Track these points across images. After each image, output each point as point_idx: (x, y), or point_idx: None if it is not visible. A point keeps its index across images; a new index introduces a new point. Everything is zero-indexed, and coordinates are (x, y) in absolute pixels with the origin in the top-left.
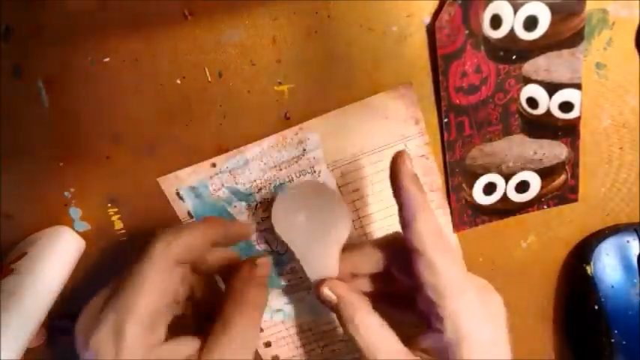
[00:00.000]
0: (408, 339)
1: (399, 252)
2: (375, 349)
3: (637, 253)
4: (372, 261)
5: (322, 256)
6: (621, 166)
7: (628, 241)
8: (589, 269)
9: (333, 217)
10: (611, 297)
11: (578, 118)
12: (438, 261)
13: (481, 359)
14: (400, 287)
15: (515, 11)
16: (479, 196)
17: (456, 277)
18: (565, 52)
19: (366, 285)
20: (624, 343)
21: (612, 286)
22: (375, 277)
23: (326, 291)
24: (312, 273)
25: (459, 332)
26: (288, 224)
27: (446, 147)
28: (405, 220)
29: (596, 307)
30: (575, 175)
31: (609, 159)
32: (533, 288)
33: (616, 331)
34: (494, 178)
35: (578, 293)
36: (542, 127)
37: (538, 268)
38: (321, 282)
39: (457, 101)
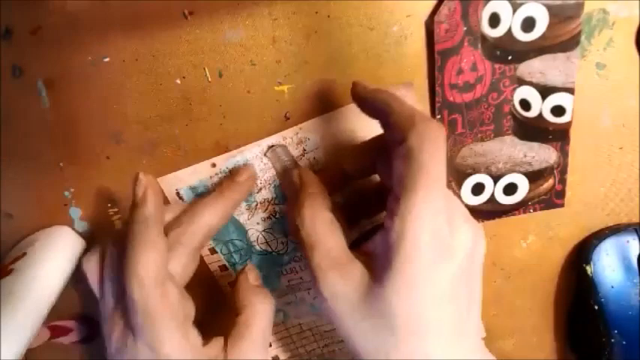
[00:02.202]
0: (358, 245)
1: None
2: (315, 243)
3: (637, 254)
4: (359, 155)
5: None
6: (621, 165)
7: (628, 242)
8: (589, 269)
9: None
10: (611, 297)
11: (569, 123)
12: (418, 148)
13: (411, 278)
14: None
15: (514, 11)
16: (467, 196)
17: (430, 176)
18: (560, 55)
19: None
20: (624, 343)
21: (612, 287)
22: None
23: (295, 175)
24: None
25: (404, 235)
26: None
27: None
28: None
29: (596, 308)
30: (562, 180)
31: (609, 159)
32: (533, 288)
33: (616, 332)
34: (483, 178)
35: (578, 293)
36: (533, 130)
37: (538, 268)
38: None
39: (451, 98)
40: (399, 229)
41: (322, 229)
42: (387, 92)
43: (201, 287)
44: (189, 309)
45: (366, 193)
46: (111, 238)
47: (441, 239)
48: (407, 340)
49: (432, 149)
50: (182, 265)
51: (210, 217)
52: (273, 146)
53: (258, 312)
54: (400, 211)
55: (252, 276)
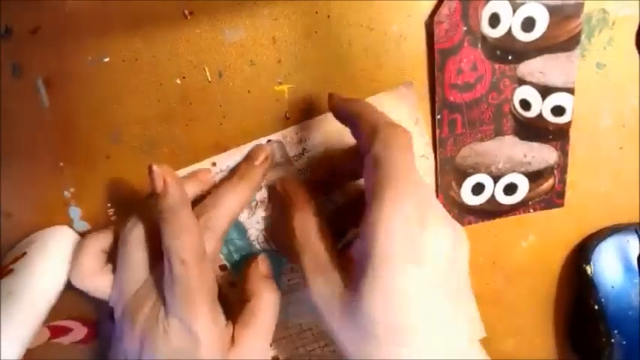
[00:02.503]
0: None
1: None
2: (305, 249)
3: (637, 253)
4: (347, 158)
5: None
6: (621, 165)
7: (628, 241)
8: (589, 269)
9: None
10: (612, 297)
11: (569, 123)
12: (383, 155)
13: (385, 285)
14: None
15: (514, 11)
16: (467, 196)
17: (397, 183)
18: (561, 55)
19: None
20: (624, 343)
21: (612, 287)
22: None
23: (278, 186)
24: None
25: (375, 243)
26: None
27: (437, 144)
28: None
29: (596, 308)
30: (562, 180)
31: (609, 158)
32: (533, 288)
33: (616, 332)
34: (484, 178)
35: (579, 293)
36: (533, 129)
37: (538, 267)
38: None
39: (451, 98)
40: (370, 237)
41: (311, 235)
42: (360, 102)
43: None
44: (216, 289)
45: (358, 200)
46: (131, 219)
47: (412, 245)
48: (388, 348)
49: (396, 156)
50: (210, 250)
51: (233, 201)
52: (269, 141)
53: (265, 301)
54: (371, 220)
55: (263, 266)
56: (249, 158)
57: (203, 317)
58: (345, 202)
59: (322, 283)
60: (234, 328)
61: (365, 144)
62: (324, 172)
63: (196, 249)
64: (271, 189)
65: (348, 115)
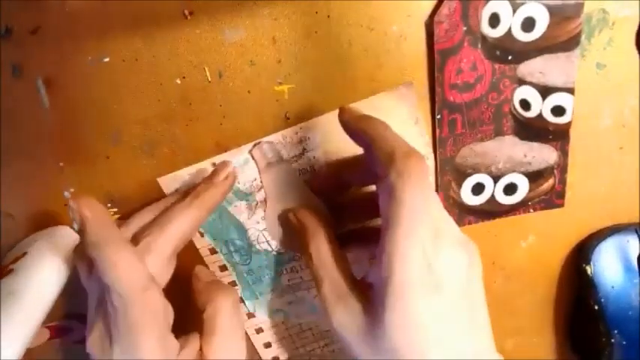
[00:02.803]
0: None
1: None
2: (323, 277)
3: (637, 254)
4: (359, 166)
5: None
6: (621, 165)
7: (628, 241)
8: (589, 269)
9: None
10: (611, 297)
11: (569, 123)
12: (399, 187)
13: (406, 315)
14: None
15: (514, 11)
16: (467, 196)
17: (412, 212)
18: (561, 55)
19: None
20: (624, 343)
21: (612, 287)
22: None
23: (291, 216)
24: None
25: (392, 273)
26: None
27: (437, 144)
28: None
29: (596, 308)
30: (562, 181)
31: (609, 159)
32: (534, 288)
33: (616, 332)
34: (484, 178)
35: (578, 293)
36: (533, 129)
37: (538, 268)
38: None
39: (451, 98)
40: (387, 267)
41: (328, 262)
42: (371, 122)
43: None
44: (168, 315)
45: (358, 199)
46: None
47: (429, 273)
48: None
49: (411, 186)
50: (155, 273)
51: (181, 224)
52: (259, 143)
53: (220, 305)
54: (387, 249)
55: (203, 274)
56: (209, 177)
57: (148, 348)
58: (345, 201)
59: (343, 313)
60: (201, 338)
61: (380, 170)
62: (329, 177)
63: (134, 281)
64: (270, 189)
65: (360, 136)
